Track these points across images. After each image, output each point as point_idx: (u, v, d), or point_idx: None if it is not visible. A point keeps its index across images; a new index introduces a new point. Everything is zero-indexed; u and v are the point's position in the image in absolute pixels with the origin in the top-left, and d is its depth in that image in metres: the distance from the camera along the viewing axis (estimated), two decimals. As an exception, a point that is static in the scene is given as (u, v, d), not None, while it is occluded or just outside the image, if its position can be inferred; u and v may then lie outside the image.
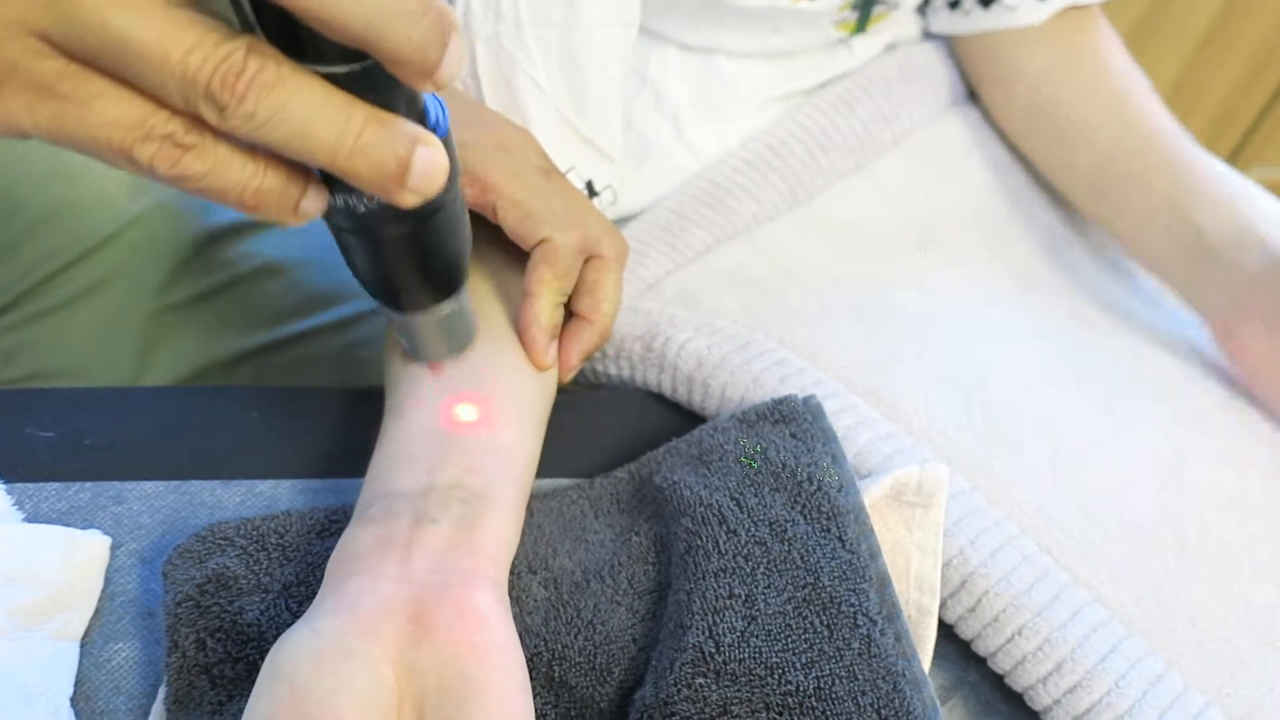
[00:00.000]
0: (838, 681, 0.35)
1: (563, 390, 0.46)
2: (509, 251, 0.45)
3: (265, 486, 0.45)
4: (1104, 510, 0.45)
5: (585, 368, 0.54)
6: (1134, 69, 0.62)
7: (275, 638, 0.32)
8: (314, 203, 0.26)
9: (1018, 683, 0.40)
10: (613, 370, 0.53)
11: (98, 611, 0.40)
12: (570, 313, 0.45)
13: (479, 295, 0.44)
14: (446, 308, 0.31)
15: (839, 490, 0.40)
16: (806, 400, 0.44)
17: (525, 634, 0.38)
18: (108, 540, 0.41)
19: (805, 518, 0.39)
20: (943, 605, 0.42)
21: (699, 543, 0.38)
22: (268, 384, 0.61)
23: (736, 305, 0.54)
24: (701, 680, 0.35)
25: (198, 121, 0.23)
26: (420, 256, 0.29)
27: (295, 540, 0.40)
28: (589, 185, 0.52)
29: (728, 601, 0.36)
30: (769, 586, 0.37)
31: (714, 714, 0.34)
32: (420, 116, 0.26)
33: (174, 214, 0.61)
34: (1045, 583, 0.41)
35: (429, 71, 0.23)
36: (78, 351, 0.59)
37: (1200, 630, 0.42)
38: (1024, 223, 0.64)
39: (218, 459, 0.45)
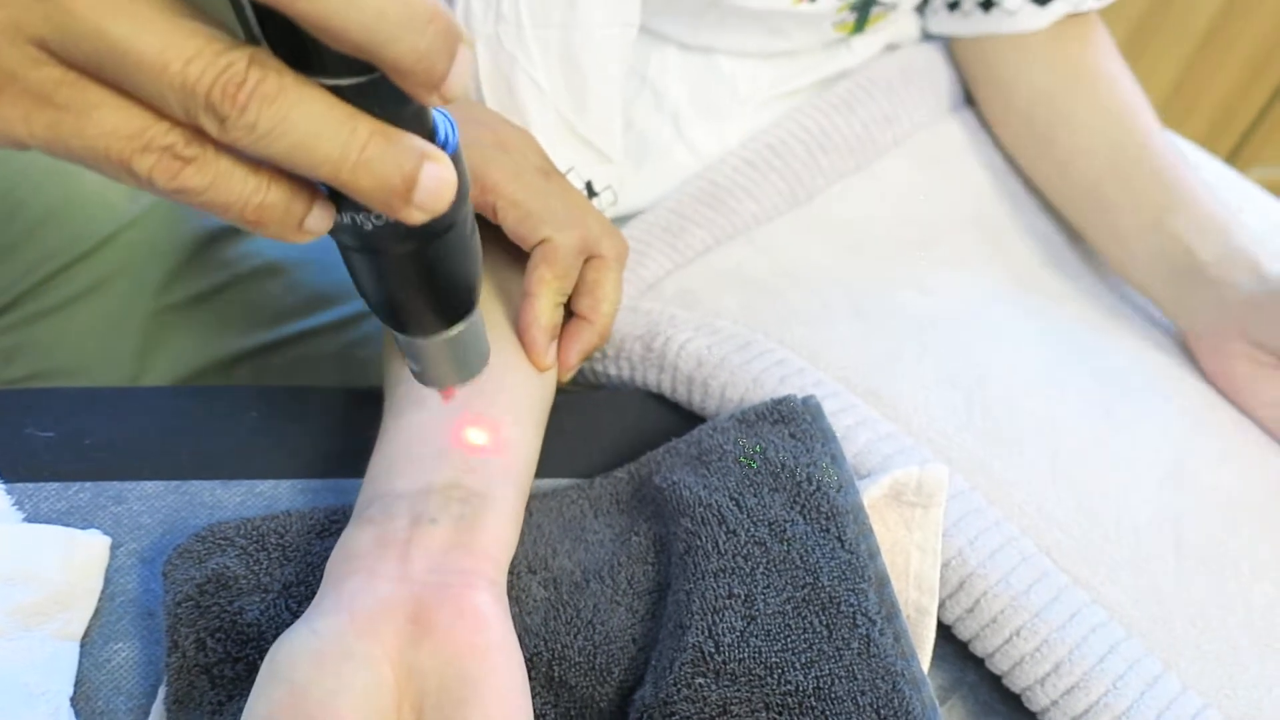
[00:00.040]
0: (837, 681, 0.35)
1: (562, 390, 0.46)
2: (509, 251, 0.45)
3: (265, 486, 0.45)
4: (1103, 511, 0.45)
5: (585, 368, 0.54)
6: (1130, 80, 0.62)
7: (275, 638, 0.32)
8: (320, 220, 0.25)
9: (1016, 683, 0.40)
10: (613, 370, 0.53)
11: (98, 611, 0.40)
12: (570, 312, 0.45)
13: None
14: (456, 331, 0.30)
15: (838, 490, 0.40)
16: (806, 400, 0.44)
17: (525, 634, 0.38)
18: (108, 540, 0.41)
19: (804, 518, 0.39)
20: (942, 605, 0.42)
21: (698, 543, 0.38)
22: (267, 384, 0.61)
23: (736, 305, 0.54)
24: (701, 680, 0.35)
25: (199, 134, 0.22)
26: (428, 277, 0.28)
27: (295, 540, 0.40)
28: (589, 185, 0.52)
29: (727, 601, 0.36)
30: (768, 586, 0.37)
31: (713, 714, 0.34)
32: (429, 132, 0.25)
33: (174, 214, 0.61)
34: (1044, 583, 0.41)
35: (435, 83, 0.23)
36: (78, 351, 0.59)
37: (1199, 631, 0.42)
38: (1024, 224, 0.64)
39: (218, 459, 0.45)
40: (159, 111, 0.22)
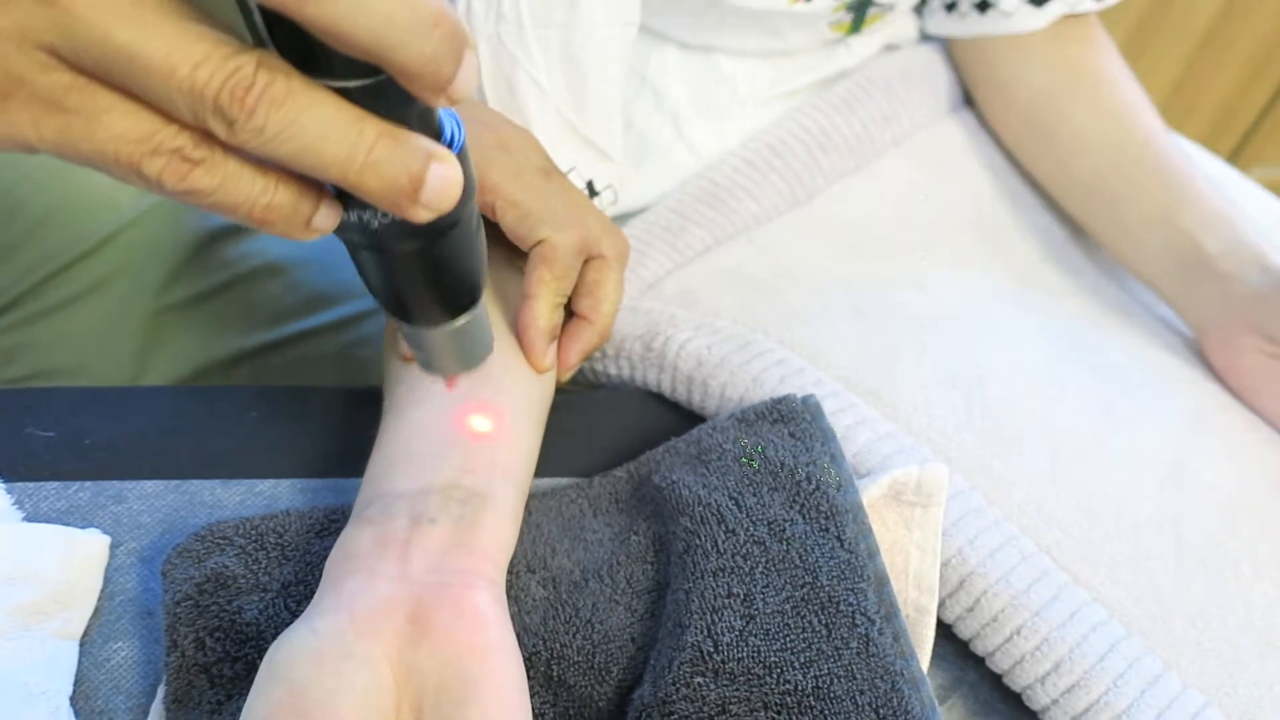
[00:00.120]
0: (836, 681, 0.35)
1: (562, 390, 0.46)
2: (509, 251, 0.45)
3: (264, 486, 0.45)
4: (1103, 510, 0.45)
5: (585, 367, 0.54)
6: (1130, 79, 0.62)
7: (274, 637, 0.32)
8: (327, 219, 0.25)
9: (1016, 682, 0.40)
10: (612, 370, 0.53)
11: (97, 611, 0.40)
12: (570, 312, 0.45)
13: None
14: (461, 322, 0.31)
15: (837, 489, 0.40)
16: (805, 400, 0.44)
17: (524, 633, 0.38)
18: (107, 539, 0.41)
19: (804, 517, 0.39)
20: (942, 604, 0.42)
21: (697, 542, 0.38)
22: (267, 384, 0.61)
23: (736, 305, 0.54)
24: (700, 679, 0.35)
25: (207, 136, 0.23)
26: (434, 272, 0.29)
27: (294, 540, 0.40)
28: (589, 185, 0.52)
29: (726, 601, 0.36)
30: (767, 586, 0.37)
31: (712, 713, 0.34)
32: (435, 131, 0.25)
33: (174, 214, 0.61)
34: (1044, 582, 0.41)
35: (442, 86, 0.23)
36: (78, 351, 0.59)
37: (1199, 630, 0.42)
38: (1024, 223, 0.64)
39: (217, 458, 0.45)
40: (167, 115, 0.22)
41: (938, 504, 0.41)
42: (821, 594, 0.36)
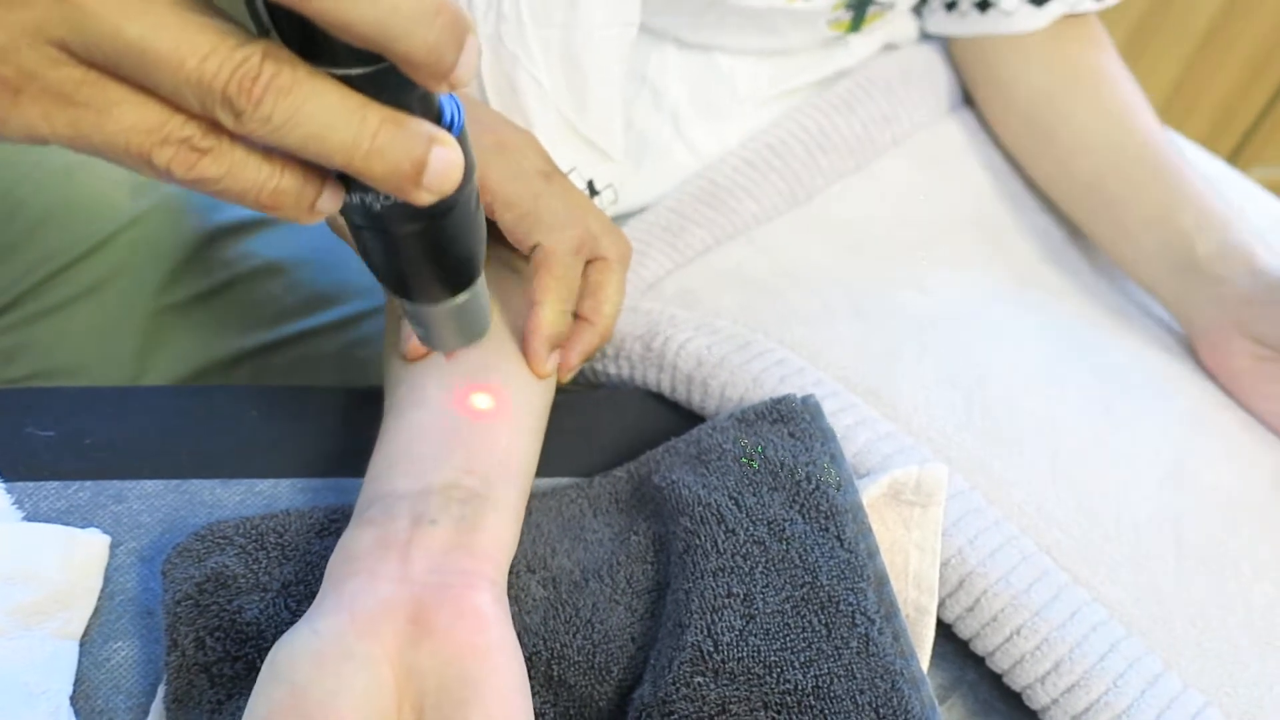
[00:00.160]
0: (836, 680, 0.35)
1: (562, 390, 0.46)
2: (508, 251, 0.45)
3: (264, 485, 0.45)
4: (1103, 510, 0.45)
5: (585, 367, 0.54)
6: (1129, 79, 0.62)
7: (274, 636, 0.32)
8: (330, 201, 0.26)
9: (1016, 682, 0.40)
10: (612, 370, 0.53)
11: (97, 610, 0.40)
12: (572, 313, 0.45)
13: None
14: (461, 299, 0.32)
15: (837, 489, 0.40)
16: (805, 399, 0.44)
17: (524, 633, 0.38)
18: (107, 539, 0.41)
19: (804, 517, 0.39)
20: (942, 604, 0.42)
21: (697, 542, 0.38)
22: (267, 384, 0.61)
23: (736, 305, 0.54)
24: (700, 679, 0.35)
25: (214, 125, 0.23)
26: (435, 251, 0.29)
27: (294, 539, 0.40)
28: (590, 185, 0.52)
29: (726, 600, 0.36)
30: (767, 585, 0.37)
31: (712, 713, 0.34)
32: (435, 114, 0.26)
33: (174, 214, 0.61)
34: (1044, 582, 0.41)
35: (444, 73, 0.23)
36: (78, 351, 0.59)
37: (1199, 630, 0.42)
38: (1024, 224, 0.64)
39: (217, 458, 0.45)
40: (176, 106, 0.23)
41: (937, 504, 0.41)
42: (821, 594, 0.36)
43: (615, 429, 0.49)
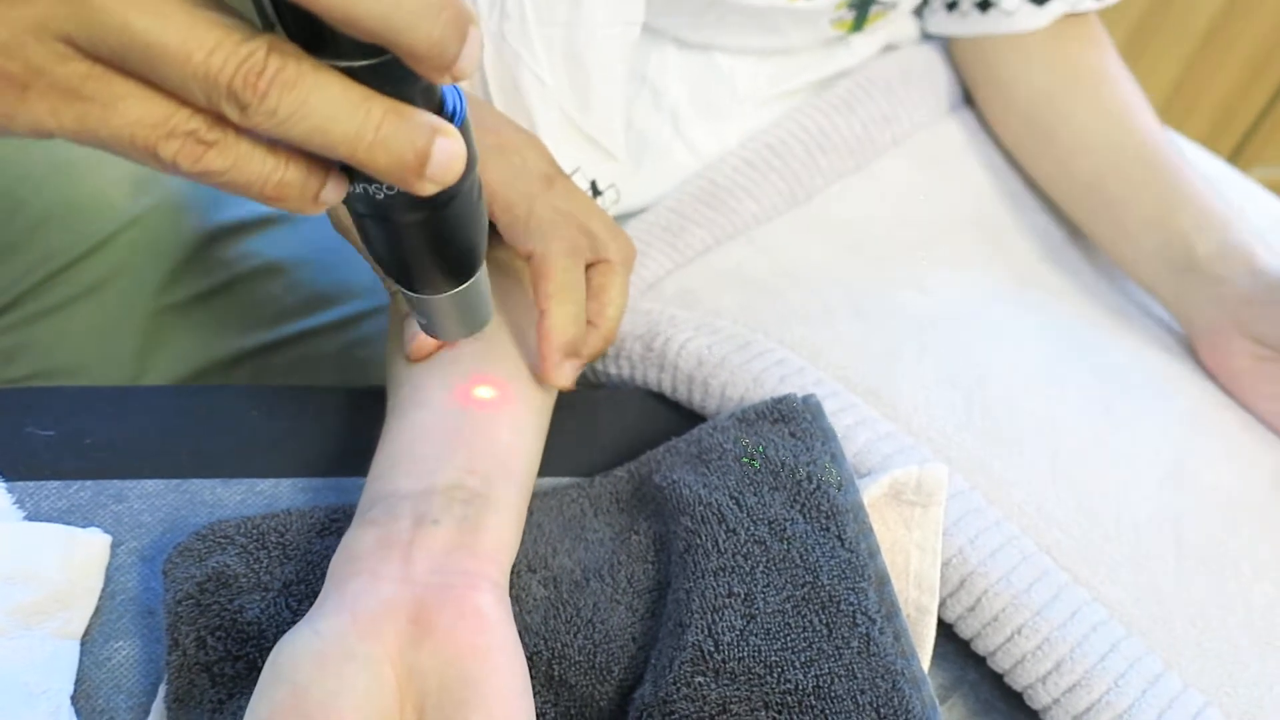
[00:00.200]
0: (837, 680, 0.35)
1: (563, 390, 0.46)
2: (511, 253, 0.45)
3: (265, 485, 0.45)
4: (1103, 510, 0.45)
5: (586, 368, 0.54)
6: (1129, 79, 0.62)
7: (275, 636, 0.32)
8: (334, 192, 0.26)
9: (1017, 682, 0.40)
10: (613, 370, 0.53)
11: (98, 610, 0.40)
12: None
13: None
14: (463, 288, 0.32)
15: (838, 489, 0.40)
16: (806, 399, 0.44)
17: (525, 633, 0.38)
18: (108, 539, 0.41)
19: (804, 516, 0.39)
20: (942, 604, 0.42)
21: (698, 541, 0.38)
22: (268, 384, 0.61)
23: (736, 305, 0.54)
24: (701, 679, 0.35)
25: (220, 119, 0.23)
26: (437, 241, 0.30)
27: (295, 539, 0.40)
28: (592, 185, 0.52)
29: (727, 600, 0.36)
30: (768, 585, 0.37)
31: (713, 713, 0.34)
32: (438, 105, 0.26)
33: (174, 214, 0.61)
34: (1044, 582, 0.41)
35: (447, 65, 0.23)
36: (78, 351, 0.59)
37: (1199, 630, 0.42)
38: (1024, 224, 0.64)
39: (218, 458, 0.45)
40: (181, 99, 0.23)
41: (938, 503, 0.41)
42: (822, 593, 0.36)
43: (616, 429, 0.49)
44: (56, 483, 0.43)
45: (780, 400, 0.43)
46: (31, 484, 0.43)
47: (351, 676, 0.30)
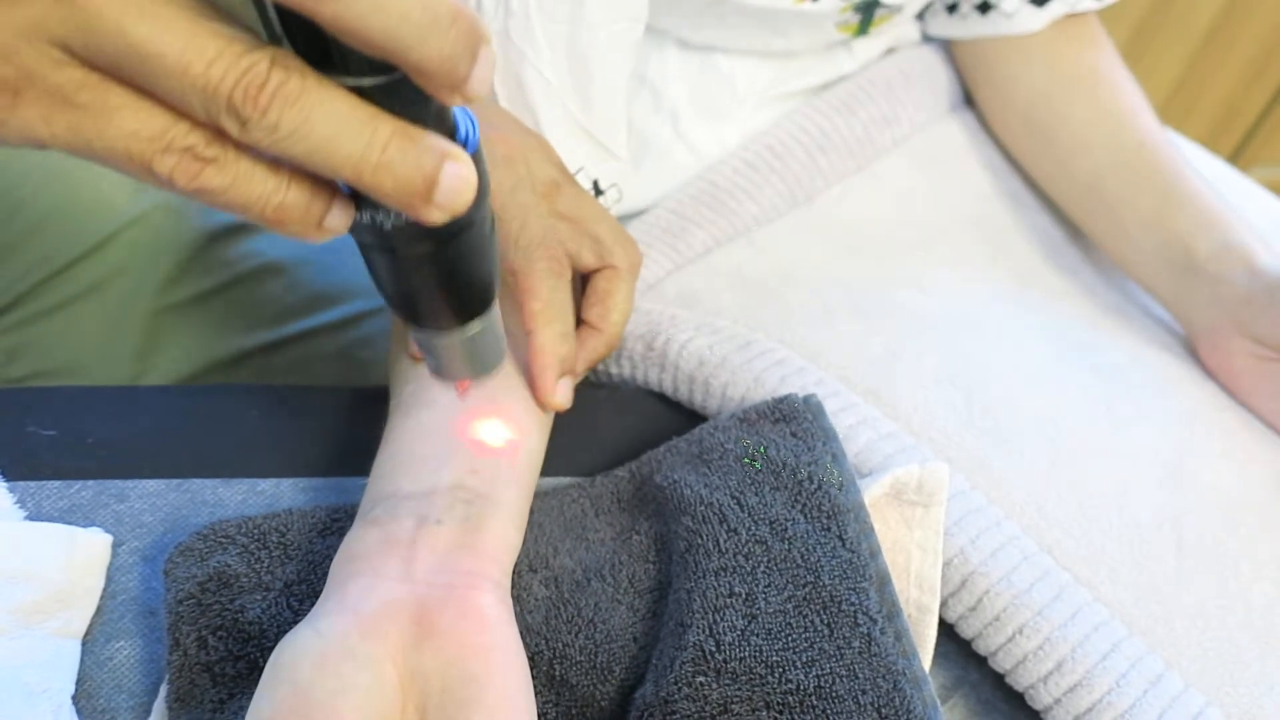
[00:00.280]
0: (838, 680, 0.35)
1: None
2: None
3: (267, 485, 0.45)
4: (1104, 509, 0.45)
5: (586, 368, 0.54)
6: (1129, 80, 0.62)
7: (276, 636, 0.32)
8: (339, 219, 0.25)
9: (1018, 682, 0.40)
10: (614, 370, 0.53)
11: (99, 609, 0.40)
12: (579, 320, 0.45)
13: None
14: (473, 328, 0.30)
15: (839, 489, 0.40)
16: (807, 399, 0.44)
17: (526, 632, 0.38)
18: (109, 538, 0.41)
19: (806, 516, 0.39)
20: (943, 604, 0.42)
21: (699, 541, 0.38)
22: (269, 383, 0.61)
23: (737, 305, 0.54)
24: (702, 679, 0.35)
25: (219, 134, 0.22)
26: (447, 275, 0.28)
27: (296, 539, 0.40)
28: (595, 184, 0.52)
29: (728, 600, 0.36)
30: (769, 585, 0.37)
31: (714, 712, 0.34)
32: (450, 131, 0.25)
33: (174, 214, 0.61)
34: (1046, 582, 0.41)
35: (457, 84, 0.22)
36: (79, 351, 0.59)
37: (1200, 630, 0.42)
38: (1024, 224, 0.64)
39: (219, 457, 0.45)
40: (180, 112, 0.22)
41: (939, 503, 0.41)
42: (823, 593, 0.36)
43: (617, 429, 0.49)
44: (58, 482, 0.43)
45: (781, 400, 0.43)
46: (33, 484, 0.43)
47: (353, 676, 0.30)
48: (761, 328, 0.52)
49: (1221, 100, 1.41)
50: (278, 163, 0.23)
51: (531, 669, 0.36)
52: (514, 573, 0.40)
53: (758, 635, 0.35)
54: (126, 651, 0.39)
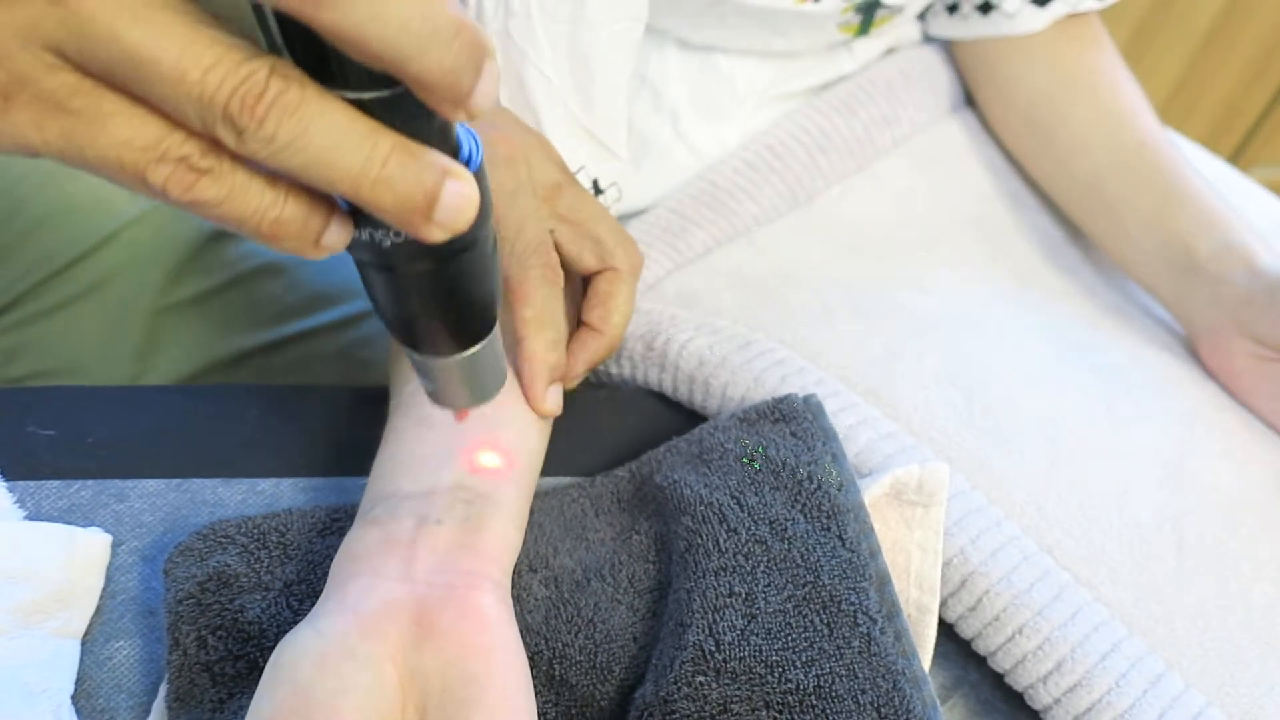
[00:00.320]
0: (838, 680, 0.35)
1: (564, 391, 0.46)
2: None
3: (266, 485, 0.45)
4: (1104, 509, 0.45)
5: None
6: (1130, 80, 0.62)
7: (276, 636, 0.32)
8: (337, 236, 0.24)
9: (1018, 682, 0.40)
10: (614, 370, 0.53)
11: (99, 609, 0.40)
12: (580, 322, 0.45)
13: None
14: (472, 352, 0.30)
15: (839, 489, 0.40)
16: (807, 399, 0.44)
17: (526, 632, 0.38)
18: (109, 538, 0.41)
19: (805, 516, 0.39)
20: (943, 604, 0.42)
21: (699, 541, 0.38)
22: (269, 383, 0.61)
23: (737, 305, 0.54)
24: (702, 678, 0.35)
25: (215, 145, 0.22)
26: (446, 297, 0.28)
27: (296, 538, 0.40)
28: (594, 184, 0.52)
29: (728, 600, 0.36)
30: (769, 585, 0.37)
31: (714, 712, 0.34)
32: (453, 148, 0.25)
33: (174, 214, 0.61)
34: (1046, 582, 0.41)
35: (460, 99, 0.22)
36: (79, 351, 0.59)
37: (1200, 630, 0.42)
38: (1024, 224, 0.64)
39: (219, 457, 0.45)
40: (175, 121, 0.22)
41: (939, 503, 0.41)
42: (823, 593, 0.36)
43: (617, 428, 0.49)
44: (57, 482, 0.43)
45: (781, 400, 0.43)
46: (32, 483, 0.43)
47: (353, 676, 0.30)
48: (761, 328, 0.52)
49: (1222, 100, 1.41)
50: (275, 176, 0.23)
51: (531, 669, 0.36)
52: (514, 573, 0.40)
53: (757, 635, 0.35)
54: (126, 651, 0.39)
